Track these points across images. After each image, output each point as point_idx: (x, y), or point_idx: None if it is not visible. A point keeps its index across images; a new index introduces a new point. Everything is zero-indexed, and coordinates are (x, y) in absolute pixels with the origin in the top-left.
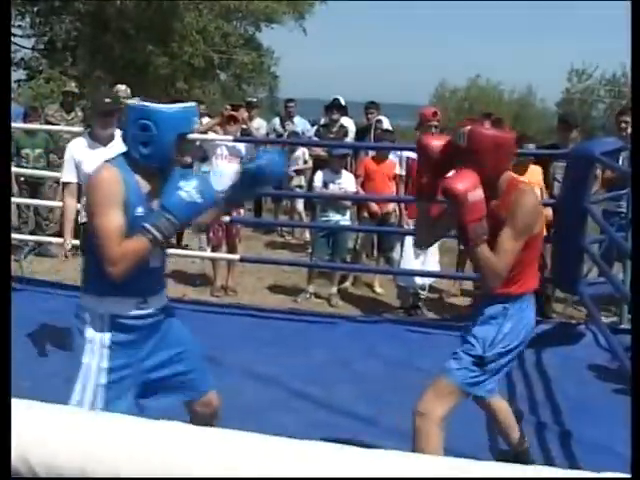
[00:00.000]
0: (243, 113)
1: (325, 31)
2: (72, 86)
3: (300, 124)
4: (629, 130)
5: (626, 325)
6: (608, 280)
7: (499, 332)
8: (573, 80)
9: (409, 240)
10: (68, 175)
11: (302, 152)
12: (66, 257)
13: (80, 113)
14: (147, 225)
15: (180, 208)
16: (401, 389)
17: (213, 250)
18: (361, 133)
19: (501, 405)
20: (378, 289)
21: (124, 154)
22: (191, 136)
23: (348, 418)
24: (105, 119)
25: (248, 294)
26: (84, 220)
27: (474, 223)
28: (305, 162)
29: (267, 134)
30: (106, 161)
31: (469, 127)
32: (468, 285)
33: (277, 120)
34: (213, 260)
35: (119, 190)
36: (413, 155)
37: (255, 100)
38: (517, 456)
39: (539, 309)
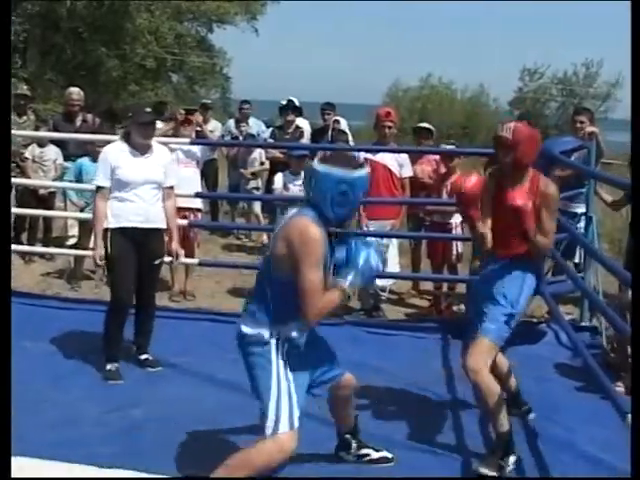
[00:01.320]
0: (198, 117)
1: (278, 32)
2: (24, 89)
3: (255, 126)
4: (586, 130)
5: (586, 322)
6: (569, 278)
7: (522, 291)
8: (525, 79)
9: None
10: (103, 179)
11: (258, 154)
12: (98, 265)
13: (32, 116)
14: (345, 285)
15: (370, 275)
16: (363, 391)
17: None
18: (318, 134)
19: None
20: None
21: (315, 210)
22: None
23: (310, 422)
24: (146, 129)
25: (207, 298)
26: (110, 226)
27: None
28: (262, 164)
29: (222, 136)
30: (302, 214)
31: (513, 123)
32: (426, 286)
33: (232, 122)
34: (171, 265)
35: (323, 249)
36: (370, 156)
37: (209, 102)
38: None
39: None
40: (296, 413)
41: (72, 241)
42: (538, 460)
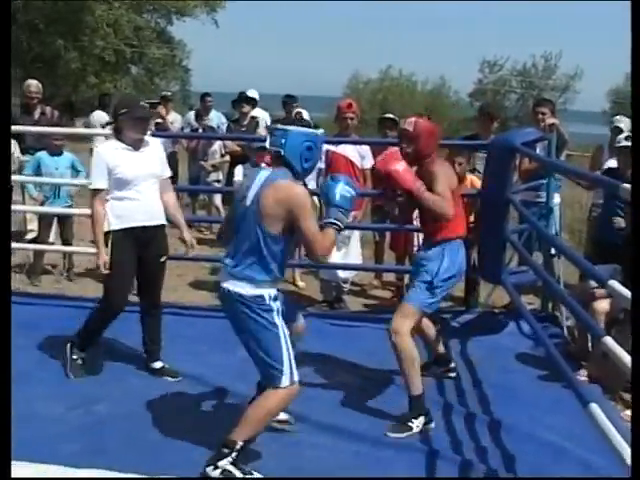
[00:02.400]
0: (162, 110)
1: (237, 23)
2: None
3: (215, 118)
4: (547, 121)
5: (547, 312)
6: (531, 268)
7: (441, 265)
8: (485, 71)
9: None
10: (100, 181)
11: (219, 146)
12: (104, 269)
13: None
14: (333, 220)
15: (346, 202)
16: (327, 384)
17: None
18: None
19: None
20: (300, 283)
21: (287, 168)
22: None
23: None
24: (143, 124)
25: (170, 292)
26: (113, 227)
27: (412, 182)
28: (222, 156)
29: (182, 128)
30: (280, 177)
31: (414, 118)
32: (388, 277)
33: (192, 114)
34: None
35: (310, 199)
36: (332, 147)
37: (170, 94)
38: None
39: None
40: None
41: (31, 235)
42: (502, 450)
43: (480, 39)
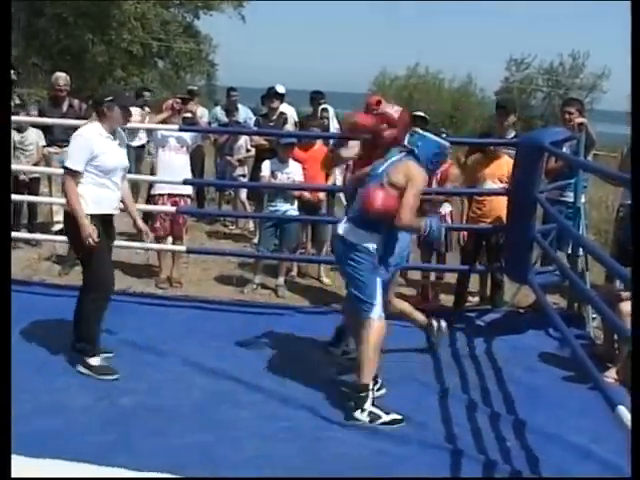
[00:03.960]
0: (193, 106)
1: (264, 18)
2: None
3: (243, 112)
4: (576, 121)
5: (573, 313)
6: (557, 268)
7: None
8: (512, 69)
9: None
10: (80, 164)
11: (244, 141)
12: (93, 242)
13: (17, 100)
14: (425, 226)
15: (437, 236)
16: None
17: (158, 241)
18: (307, 121)
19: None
20: (325, 279)
21: (417, 162)
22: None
23: (301, 410)
24: (127, 114)
25: (194, 286)
26: (91, 212)
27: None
28: (248, 151)
29: (209, 123)
30: (411, 159)
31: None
32: (413, 275)
33: (219, 109)
34: (159, 251)
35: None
36: None
37: (196, 88)
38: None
39: (489, 298)
40: None
41: (58, 227)
42: (526, 450)
43: (508, 37)
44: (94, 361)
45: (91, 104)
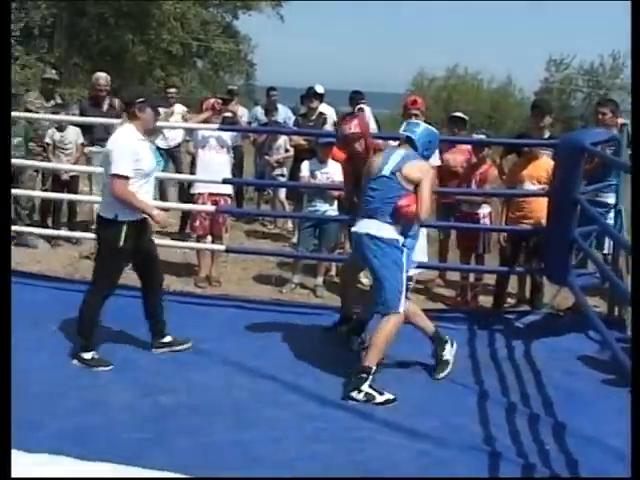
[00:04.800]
0: (234, 106)
1: (302, 18)
2: (52, 73)
3: (282, 112)
4: (618, 121)
5: (614, 316)
6: (599, 270)
7: None
8: (551, 70)
9: None
10: (128, 169)
11: (283, 141)
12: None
13: (59, 100)
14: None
15: None
16: (394, 381)
17: (198, 239)
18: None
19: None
20: (364, 279)
21: (417, 152)
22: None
23: (340, 410)
24: (157, 115)
25: (233, 285)
26: (129, 218)
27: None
28: (286, 151)
29: (249, 123)
30: (417, 157)
31: (355, 119)
32: (452, 276)
33: (259, 109)
34: (198, 250)
35: None
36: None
37: (236, 88)
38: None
39: (529, 300)
40: None
41: None
42: (565, 454)
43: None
44: (87, 355)
45: (122, 106)
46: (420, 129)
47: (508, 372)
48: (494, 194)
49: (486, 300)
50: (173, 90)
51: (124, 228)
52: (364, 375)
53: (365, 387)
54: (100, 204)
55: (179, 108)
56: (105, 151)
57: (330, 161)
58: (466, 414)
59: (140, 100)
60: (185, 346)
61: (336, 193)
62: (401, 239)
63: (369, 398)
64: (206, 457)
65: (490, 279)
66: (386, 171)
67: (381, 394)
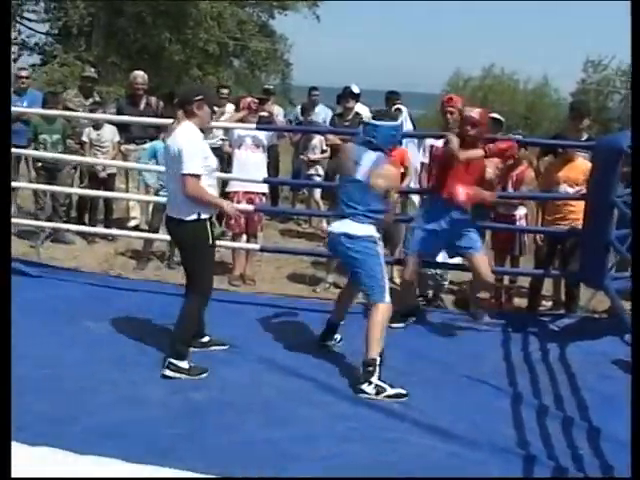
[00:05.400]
0: (270, 106)
1: (338, 18)
2: (91, 71)
3: (322, 112)
4: None
5: None
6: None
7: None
8: (589, 71)
9: None
10: (199, 167)
11: (319, 141)
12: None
13: (97, 98)
14: None
15: None
16: (425, 382)
17: (233, 238)
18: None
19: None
20: (397, 279)
21: (378, 150)
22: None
23: (372, 410)
24: (214, 112)
25: (267, 284)
26: (204, 215)
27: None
28: (323, 151)
29: (289, 121)
30: (383, 160)
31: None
32: None
33: (298, 108)
34: (233, 249)
35: None
36: (435, 142)
37: (272, 87)
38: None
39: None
40: None
41: (134, 222)
42: (599, 458)
43: (585, 37)
44: (184, 364)
45: (177, 103)
46: (378, 131)
47: (542, 375)
48: (532, 197)
49: (521, 302)
50: (225, 90)
51: (208, 225)
52: (371, 368)
53: (374, 379)
54: (170, 207)
55: (230, 108)
56: (172, 150)
57: None
58: (499, 416)
59: (199, 98)
60: (221, 347)
61: None
62: (376, 235)
63: (379, 390)
64: (238, 454)
65: (524, 281)
66: (360, 175)
67: (392, 387)
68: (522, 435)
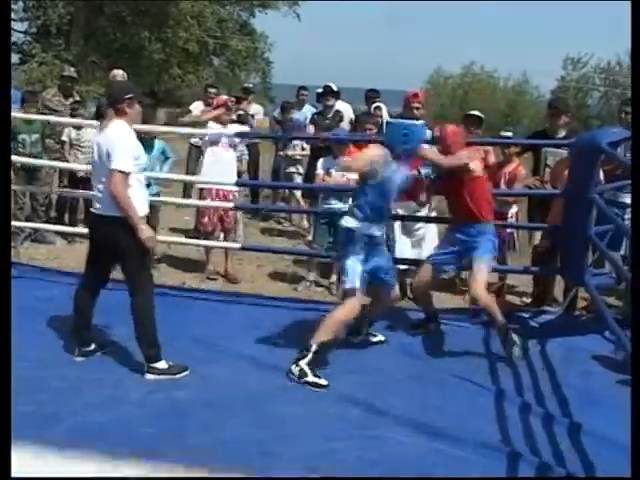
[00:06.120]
0: (247, 105)
1: (318, 16)
2: (71, 71)
3: (308, 112)
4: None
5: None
6: (615, 270)
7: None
8: (568, 68)
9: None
10: (130, 164)
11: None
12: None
13: (78, 97)
14: None
15: None
16: (407, 379)
17: (206, 237)
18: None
19: None
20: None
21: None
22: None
23: (353, 408)
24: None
25: (248, 282)
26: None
27: None
28: (303, 149)
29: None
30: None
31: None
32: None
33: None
34: (206, 246)
35: None
36: None
37: (251, 86)
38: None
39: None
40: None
41: None
42: (581, 454)
43: (564, 37)
44: (161, 364)
45: (107, 102)
46: (387, 131)
47: (523, 372)
48: (513, 194)
49: (511, 300)
50: (213, 90)
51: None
52: (305, 352)
53: (302, 363)
54: (101, 204)
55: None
56: (102, 148)
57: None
58: (481, 413)
59: (129, 96)
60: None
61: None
62: (358, 229)
63: (301, 375)
64: (220, 453)
65: (514, 280)
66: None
67: (315, 376)
68: (505, 432)
